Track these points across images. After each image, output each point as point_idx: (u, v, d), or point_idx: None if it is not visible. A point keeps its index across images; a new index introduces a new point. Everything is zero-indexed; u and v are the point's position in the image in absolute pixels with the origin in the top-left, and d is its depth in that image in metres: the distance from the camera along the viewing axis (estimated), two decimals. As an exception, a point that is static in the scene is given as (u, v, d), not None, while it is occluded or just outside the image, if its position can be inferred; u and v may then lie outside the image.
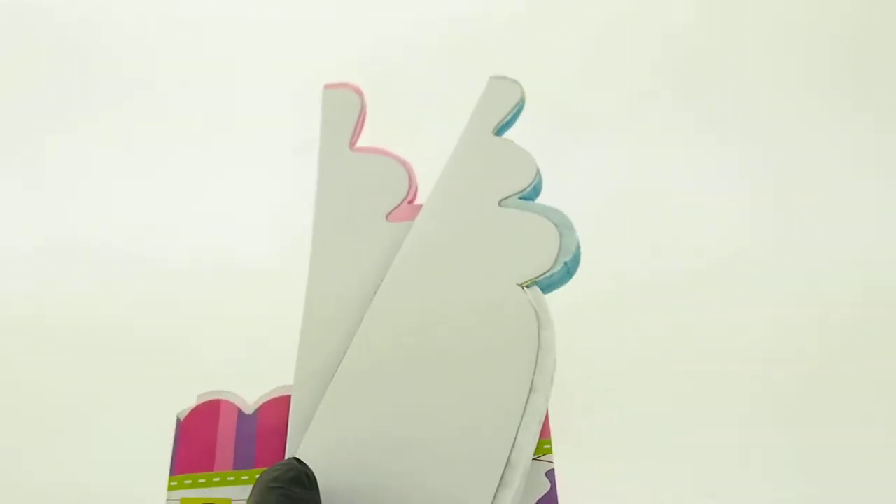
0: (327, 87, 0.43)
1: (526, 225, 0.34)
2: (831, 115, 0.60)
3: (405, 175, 0.39)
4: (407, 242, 0.35)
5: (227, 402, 0.33)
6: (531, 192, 0.35)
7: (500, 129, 0.39)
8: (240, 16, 0.66)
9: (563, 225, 0.33)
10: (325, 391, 0.32)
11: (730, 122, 0.60)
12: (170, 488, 0.31)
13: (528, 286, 0.32)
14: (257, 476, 0.29)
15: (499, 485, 0.27)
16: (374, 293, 0.34)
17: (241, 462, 0.31)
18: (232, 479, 0.31)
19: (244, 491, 0.30)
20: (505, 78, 0.41)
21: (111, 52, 0.63)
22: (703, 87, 0.62)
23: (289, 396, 0.32)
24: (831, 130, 0.60)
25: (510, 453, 0.28)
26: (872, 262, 0.53)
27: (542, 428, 0.30)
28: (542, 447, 0.30)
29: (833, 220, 0.56)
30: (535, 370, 0.29)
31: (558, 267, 0.32)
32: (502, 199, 0.35)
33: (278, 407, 0.33)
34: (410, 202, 0.39)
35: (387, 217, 0.38)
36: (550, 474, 0.30)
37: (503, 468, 0.27)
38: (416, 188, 0.39)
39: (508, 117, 0.39)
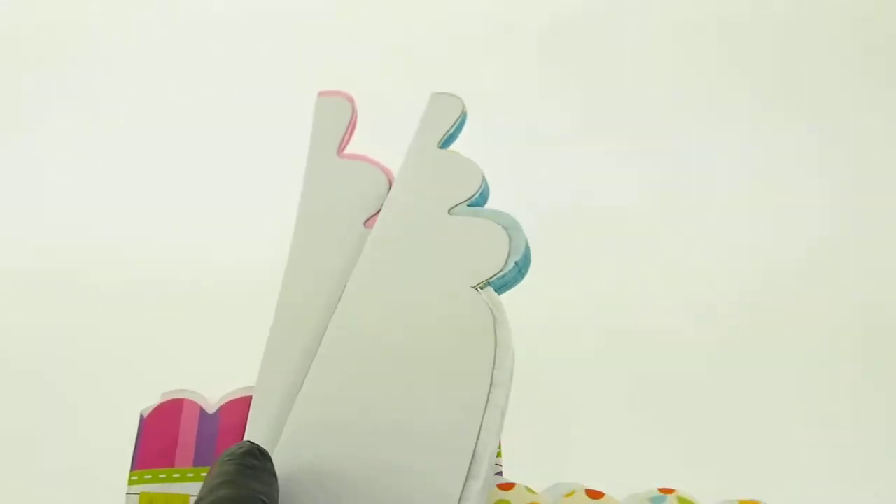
0: (321, 94, 0.45)
1: (476, 230, 0.35)
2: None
3: (385, 183, 0.41)
4: (365, 253, 0.37)
5: (190, 401, 0.35)
6: (479, 199, 0.37)
7: (445, 142, 0.40)
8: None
9: (511, 227, 0.35)
10: (286, 392, 0.33)
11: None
12: (130, 482, 0.32)
13: (482, 287, 0.33)
14: None
15: (467, 476, 0.28)
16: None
17: (202, 459, 0.32)
18: (191, 475, 0.32)
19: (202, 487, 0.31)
20: (446, 93, 0.42)
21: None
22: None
23: (250, 397, 0.34)
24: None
25: (475, 446, 0.29)
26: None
27: None
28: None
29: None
30: (494, 366, 0.31)
31: (510, 267, 0.34)
32: (452, 208, 0.37)
33: (240, 407, 0.34)
34: None
35: (364, 223, 0.39)
36: (500, 474, 0.31)
37: (470, 460, 0.29)
38: None
39: (452, 130, 0.40)
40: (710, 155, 0.61)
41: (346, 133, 0.43)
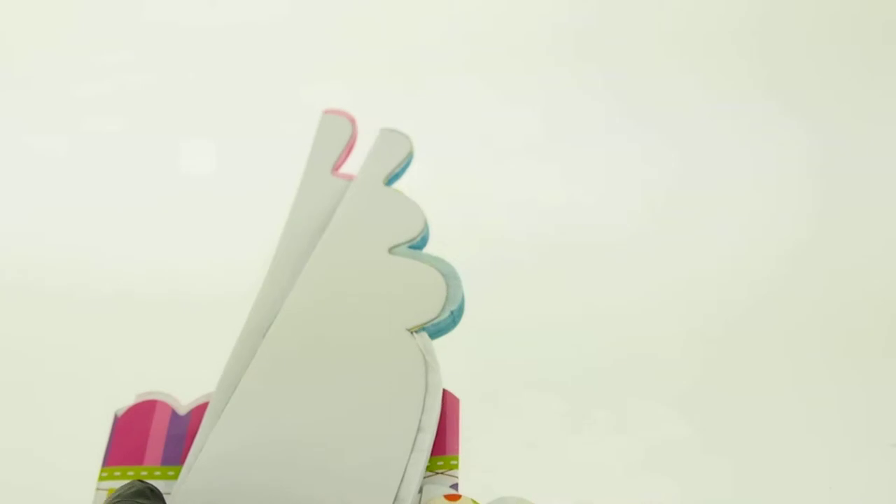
0: (326, 112, 0.46)
1: (415, 273, 0.36)
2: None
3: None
4: (298, 284, 0.37)
5: (163, 403, 0.36)
6: (420, 242, 0.38)
7: (391, 180, 0.41)
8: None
9: (450, 275, 0.36)
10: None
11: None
12: (100, 478, 0.33)
13: (416, 331, 0.34)
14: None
15: None
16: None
17: (169, 458, 0.34)
18: (158, 473, 0.33)
19: (169, 485, 0.32)
20: (395, 130, 0.43)
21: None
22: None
23: None
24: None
25: (398, 489, 0.30)
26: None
27: (451, 446, 0.33)
28: (450, 462, 0.32)
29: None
30: (422, 411, 0.32)
31: (445, 315, 0.35)
32: (392, 248, 0.37)
33: (210, 410, 0.35)
34: None
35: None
36: (455, 486, 0.32)
37: (393, 501, 0.29)
38: None
39: (399, 169, 0.41)
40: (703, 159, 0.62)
41: (343, 152, 0.45)
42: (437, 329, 0.34)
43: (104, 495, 0.33)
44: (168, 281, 0.51)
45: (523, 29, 0.68)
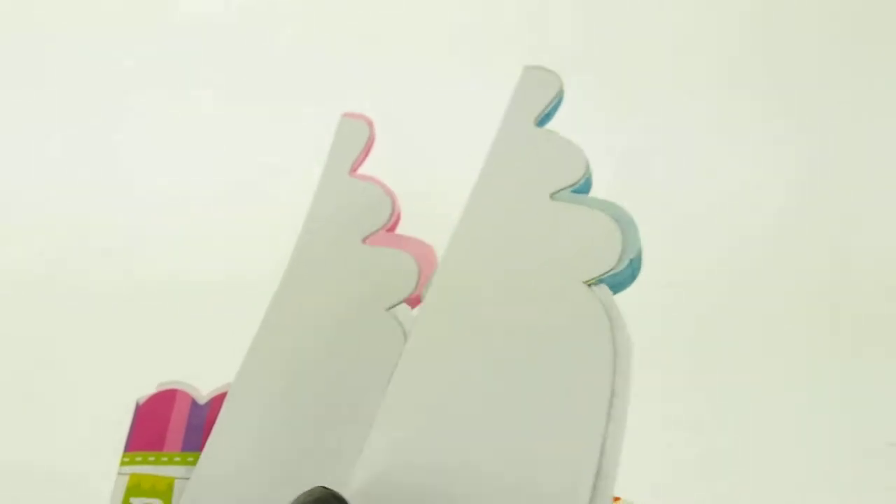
0: (344, 115, 0.46)
1: (583, 220, 0.32)
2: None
3: (389, 204, 0.43)
4: (451, 242, 0.34)
5: (183, 392, 0.37)
6: (583, 186, 0.34)
7: (542, 121, 0.37)
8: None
9: (623, 220, 0.31)
10: (259, 395, 0.34)
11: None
12: (122, 463, 0.34)
13: (594, 284, 0.30)
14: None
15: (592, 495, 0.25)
16: (340, 313, 0.37)
17: (189, 445, 0.35)
18: (178, 459, 0.34)
19: (188, 471, 0.34)
20: (540, 68, 0.39)
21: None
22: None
23: None
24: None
25: (600, 462, 0.26)
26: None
27: None
28: None
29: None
30: (613, 373, 0.27)
31: (623, 264, 0.30)
32: (554, 193, 0.33)
33: (229, 399, 0.36)
34: (389, 230, 0.43)
35: (363, 241, 0.42)
36: None
37: (594, 478, 0.25)
38: (399, 218, 0.43)
39: (550, 108, 0.37)
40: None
41: (360, 154, 0.46)
42: (615, 281, 0.30)
43: (125, 480, 0.34)
44: (181, 270, 0.52)
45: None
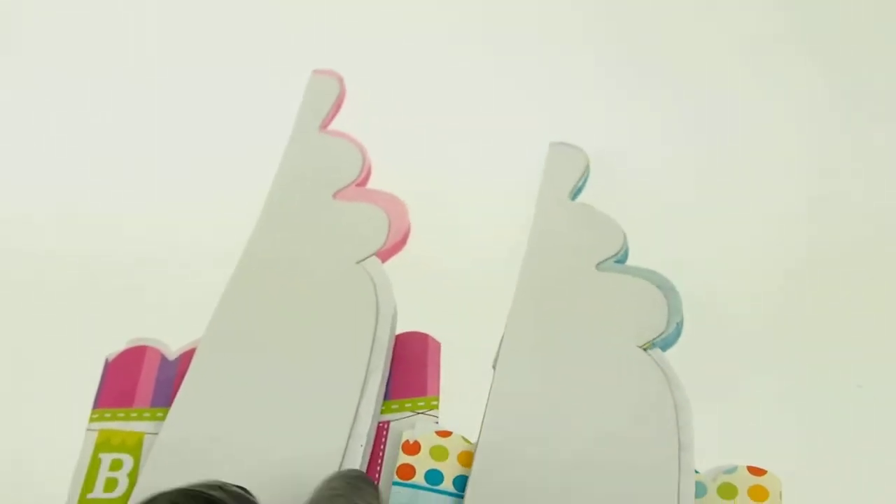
0: (315, 72, 0.46)
1: (630, 288, 0.36)
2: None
3: (360, 159, 0.43)
4: (512, 311, 0.37)
5: (153, 348, 0.37)
6: (623, 256, 0.38)
7: (575, 195, 0.41)
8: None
9: (665, 287, 0.36)
10: (229, 351, 0.35)
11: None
12: (91, 420, 0.34)
13: (648, 348, 0.34)
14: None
15: None
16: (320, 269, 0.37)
17: (159, 401, 0.35)
18: (147, 415, 0.34)
19: (157, 426, 0.34)
20: (566, 144, 0.43)
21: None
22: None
23: None
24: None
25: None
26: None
27: (432, 387, 0.34)
28: (430, 402, 0.34)
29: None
30: (678, 429, 0.32)
31: (672, 328, 0.34)
32: (599, 263, 0.37)
33: (199, 355, 0.36)
34: (360, 185, 0.42)
35: (334, 196, 0.42)
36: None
37: None
38: (369, 172, 0.43)
39: (580, 182, 0.41)
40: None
41: (331, 110, 0.46)
42: (666, 343, 0.34)
43: (94, 436, 0.34)
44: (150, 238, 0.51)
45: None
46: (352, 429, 0.31)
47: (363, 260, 0.37)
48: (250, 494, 0.26)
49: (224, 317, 0.36)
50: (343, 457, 0.31)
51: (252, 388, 0.34)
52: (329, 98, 0.47)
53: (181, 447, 0.32)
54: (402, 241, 0.39)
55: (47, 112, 0.55)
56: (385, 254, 0.38)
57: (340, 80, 0.46)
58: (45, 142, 0.54)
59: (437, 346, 0.36)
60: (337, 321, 0.36)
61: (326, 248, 0.38)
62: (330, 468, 0.30)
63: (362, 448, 0.31)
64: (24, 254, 0.49)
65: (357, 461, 0.31)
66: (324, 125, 0.45)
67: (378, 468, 0.32)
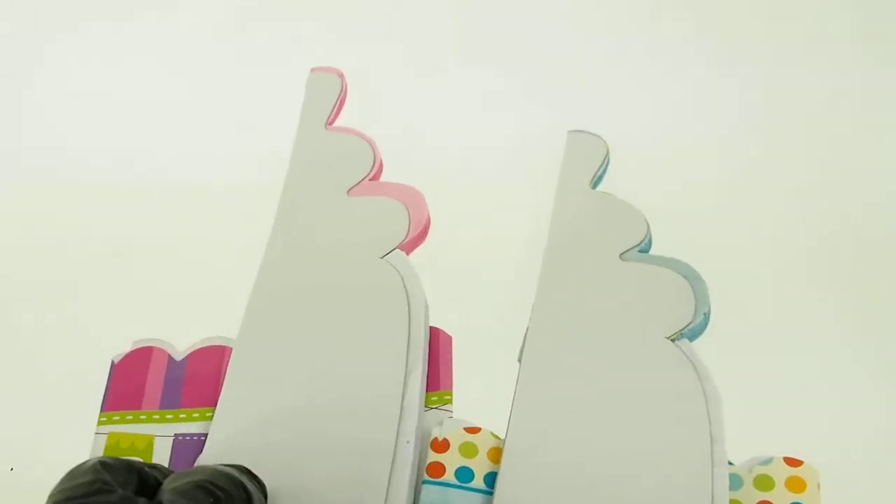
0: (314, 70, 0.45)
1: (655, 279, 0.35)
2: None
3: (370, 154, 0.42)
4: (536, 303, 0.36)
5: (159, 349, 0.36)
6: (646, 245, 0.37)
7: (595, 183, 0.40)
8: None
9: (691, 276, 0.35)
10: (266, 351, 0.34)
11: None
12: (99, 423, 0.33)
13: (676, 339, 0.33)
14: (181, 415, 0.32)
15: None
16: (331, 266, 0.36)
17: (167, 402, 0.34)
18: (157, 417, 0.33)
19: (166, 428, 0.33)
20: (584, 132, 0.42)
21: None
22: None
23: (218, 346, 0.35)
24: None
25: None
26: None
27: (445, 381, 0.33)
28: (444, 397, 0.34)
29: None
30: (709, 422, 0.31)
31: (699, 318, 0.34)
32: (623, 253, 0.36)
33: (207, 356, 0.35)
34: (372, 179, 0.41)
35: (348, 192, 0.41)
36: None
37: None
38: (381, 167, 0.42)
39: (601, 171, 0.40)
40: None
41: (335, 107, 0.45)
42: (693, 333, 0.33)
43: (103, 439, 0.33)
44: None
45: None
46: (399, 425, 0.31)
47: (387, 254, 0.36)
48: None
49: (256, 319, 0.36)
50: (394, 454, 0.31)
51: (293, 387, 0.33)
52: (331, 95, 0.46)
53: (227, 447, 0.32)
54: (424, 232, 0.38)
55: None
56: (408, 246, 0.38)
57: (341, 76, 0.46)
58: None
59: (449, 339, 0.35)
60: (369, 318, 0.35)
61: (348, 245, 0.38)
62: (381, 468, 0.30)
63: (409, 444, 0.31)
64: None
65: (409, 459, 0.31)
66: (329, 122, 0.44)
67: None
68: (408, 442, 0.31)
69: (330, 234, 0.38)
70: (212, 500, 0.25)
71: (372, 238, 0.37)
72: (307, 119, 0.44)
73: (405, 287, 0.35)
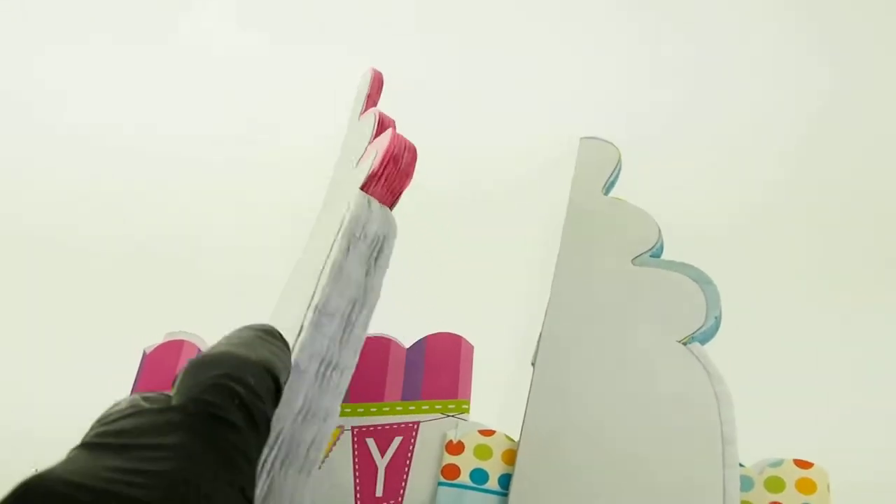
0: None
1: (667, 283, 0.36)
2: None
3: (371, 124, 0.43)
4: (550, 305, 0.36)
5: (189, 343, 0.37)
6: (658, 250, 0.37)
7: (607, 189, 0.40)
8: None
9: (702, 281, 0.35)
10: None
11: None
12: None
13: (687, 343, 0.34)
14: None
15: None
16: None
17: None
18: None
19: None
20: (596, 139, 0.42)
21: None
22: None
23: (181, 343, 0.37)
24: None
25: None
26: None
27: (463, 390, 0.34)
28: (461, 406, 0.34)
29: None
30: (721, 423, 0.31)
31: (710, 321, 0.34)
32: (635, 258, 0.37)
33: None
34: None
35: (358, 163, 0.42)
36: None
37: None
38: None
39: (613, 177, 0.41)
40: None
41: (365, 100, 0.45)
42: (704, 336, 0.34)
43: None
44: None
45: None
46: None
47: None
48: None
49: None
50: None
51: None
52: (361, 90, 0.46)
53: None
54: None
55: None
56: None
57: (373, 70, 0.45)
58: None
59: (470, 348, 0.36)
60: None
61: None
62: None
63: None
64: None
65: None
66: (360, 114, 0.45)
67: (406, 468, 0.32)
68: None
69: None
70: (237, 401, 0.22)
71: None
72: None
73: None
